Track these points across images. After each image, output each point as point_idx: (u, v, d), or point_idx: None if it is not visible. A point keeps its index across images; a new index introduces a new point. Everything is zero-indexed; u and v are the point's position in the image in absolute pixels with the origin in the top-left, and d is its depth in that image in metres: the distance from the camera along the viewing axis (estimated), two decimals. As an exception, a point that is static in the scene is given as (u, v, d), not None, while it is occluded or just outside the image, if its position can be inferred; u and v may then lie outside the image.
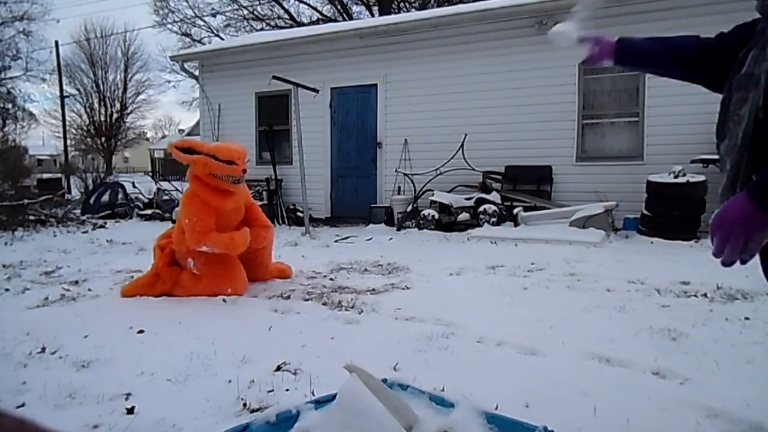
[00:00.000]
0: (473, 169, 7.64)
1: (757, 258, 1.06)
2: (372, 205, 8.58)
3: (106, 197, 10.64)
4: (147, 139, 41.14)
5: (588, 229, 6.21)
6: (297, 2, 22.23)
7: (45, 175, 18.28)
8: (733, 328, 2.78)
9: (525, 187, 7.49)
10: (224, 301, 3.54)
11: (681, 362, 2.29)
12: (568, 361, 2.34)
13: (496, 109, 7.86)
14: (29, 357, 2.48)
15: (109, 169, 24.34)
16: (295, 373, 2.23)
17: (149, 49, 67.96)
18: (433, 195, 7.62)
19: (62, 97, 22.78)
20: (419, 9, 18.41)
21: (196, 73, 10.59)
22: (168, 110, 78.36)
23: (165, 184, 11.37)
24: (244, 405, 1.94)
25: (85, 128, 28.52)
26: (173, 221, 6.64)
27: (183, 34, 23.65)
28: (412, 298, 3.58)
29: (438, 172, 7.86)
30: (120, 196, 10.59)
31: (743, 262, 1.03)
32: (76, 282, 4.22)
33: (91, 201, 10.56)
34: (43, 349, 2.56)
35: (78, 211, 10.08)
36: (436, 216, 7.37)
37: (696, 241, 5.90)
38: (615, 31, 1.55)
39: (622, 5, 7.03)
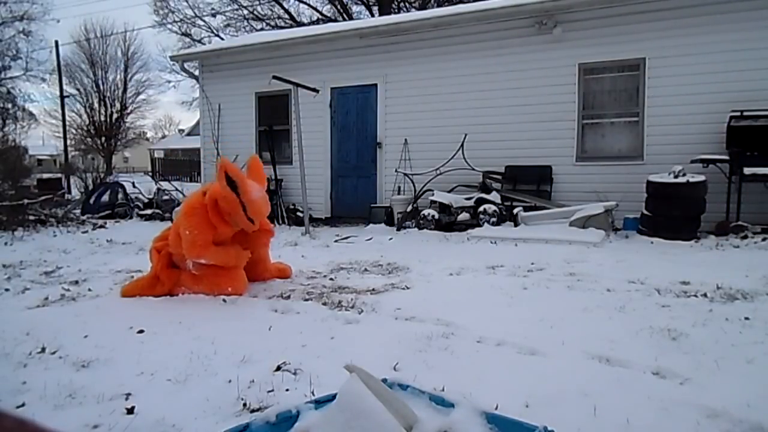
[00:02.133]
0: (473, 169, 7.64)
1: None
2: (372, 205, 8.58)
3: (106, 197, 10.64)
4: (147, 139, 41.10)
5: (588, 229, 6.21)
6: (297, 2, 22.25)
7: (45, 175, 18.29)
8: (733, 328, 2.78)
9: (525, 187, 7.49)
10: (224, 301, 3.55)
11: (681, 362, 2.29)
12: (568, 361, 2.34)
13: (496, 109, 7.86)
14: (29, 357, 2.48)
15: (109, 169, 24.34)
16: (295, 373, 2.23)
17: (149, 49, 68.04)
18: (433, 195, 7.62)
19: (62, 97, 22.78)
20: (419, 9, 18.41)
21: (196, 73, 10.59)
22: (168, 110, 78.50)
23: (165, 184, 11.38)
24: (244, 405, 1.94)
25: (85, 128, 28.49)
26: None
27: (183, 34, 23.65)
28: (412, 298, 3.58)
29: (438, 172, 7.86)
30: (120, 196, 10.59)
31: None
32: (76, 282, 4.22)
33: (91, 201, 10.56)
34: (43, 349, 2.55)
35: (78, 211, 10.09)
36: (436, 216, 7.37)
37: (696, 241, 5.89)
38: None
39: (623, 5, 7.03)
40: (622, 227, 6.74)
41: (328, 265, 4.88)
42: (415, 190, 8.02)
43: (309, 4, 22.11)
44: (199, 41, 22.51)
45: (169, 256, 3.79)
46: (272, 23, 22.00)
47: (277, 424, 1.42)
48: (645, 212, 6.38)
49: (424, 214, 7.43)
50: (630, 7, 7.01)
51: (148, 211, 9.79)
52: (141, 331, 2.87)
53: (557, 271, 4.41)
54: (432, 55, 8.31)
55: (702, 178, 6.06)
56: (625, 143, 7.29)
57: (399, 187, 8.51)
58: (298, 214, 8.58)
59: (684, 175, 6.08)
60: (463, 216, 7.29)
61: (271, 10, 22.33)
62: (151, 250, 3.95)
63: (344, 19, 19.37)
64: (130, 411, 1.90)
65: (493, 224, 7.00)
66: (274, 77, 7.32)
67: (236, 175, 3.60)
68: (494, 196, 7.32)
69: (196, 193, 3.88)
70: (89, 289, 3.94)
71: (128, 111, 29.76)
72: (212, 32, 22.97)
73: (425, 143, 8.34)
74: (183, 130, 41.85)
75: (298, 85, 7.41)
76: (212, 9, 22.58)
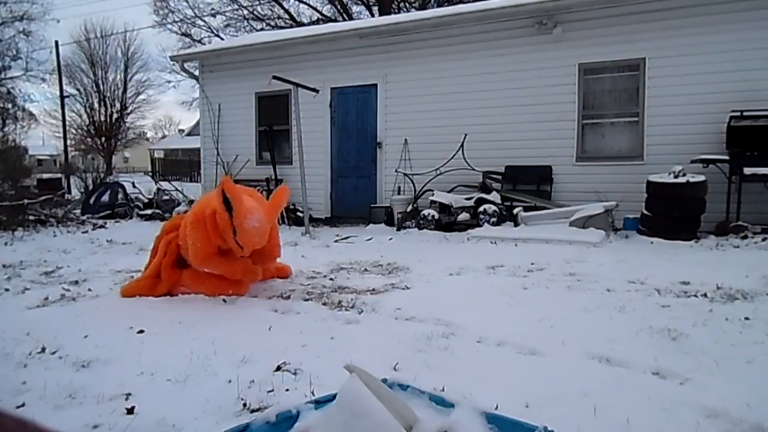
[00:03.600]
0: (473, 169, 7.64)
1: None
2: (372, 205, 8.58)
3: (106, 197, 10.63)
4: (147, 139, 41.10)
5: (588, 229, 6.21)
6: (297, 2, 22.24)
7: (45, 175, 18.27)
8: (733, 328, 2.78)
9: (525, 187, 7.49)
10: (224, 301, 3.55)
11: (681, 362, 2.29)
12: (568, 361, 2.34)
13: (496, 109, 7.86)
14: (29, 357, 2.48)
15: (109, 169, 24.31)
16: (295, 373, 2.23)
17: (149, 49, 68.05)
18: (433, 195, 7.62)
19: (62, 97, 22.76)
20: (419, 9, 18.40)
21: (196, 73, 10.58)
22: (168, 110, 78.49)
23: (165, 184, 11.38)
24: (244, 405, 1.94)
25: (85, 128, 28.48)
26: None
27: (183, 34, 23.61)
28: (412, 298, 3.57)
29: (438, 172, 7.86)
30: (120, 196, 10.59)
31: None
32: (76, 282, 4.22)
33: (91, 201, 10.56)
34: (43, 349, 2.55)
35: (78, 211, 10.08)
36: (436, 216, 7.37)
37: (696, 241, 5.89)
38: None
39: (623, 5, 7.03)
40: (622, 227, 6.74)
41: (328, 265, 4.88)
42: (415, 190, 8.02)
43: (309, 4, 22.12)
44: (199, 41, 22.50)
45: (177, 252, 3.79)
46: (272, 23, 21.99)
47: (277, 424, 1.42)
48: (645, 212, 6.38)
49: (424, 214, 7.43)
50: (630, 7, 7.01)
51: (148, 211, 9.79)
52: (141, 331, 2.87)
53: (557, 271, 4.41)
54: (432, 55, 8.31)
55: (702, 178, 6.06)
56: (625, 143, 7.29)
57: (399, 187, 8.51)
58: (298, 214, 8.57)
59: (684, 175, 6.08)
60: (463, 216, 7.29)
61: (271, 10, 22.33)
62: (159, 238, 3.90)
63: (344, 19, 19.36)
64: (130, 411, 1.90)
65: (493, 224, 7.00)
66: (274, 77, 7.32)
67: (234, 197, 3.42)
68: (494, 196, 7.32)
69: (209, 198, 3.72)
70: (89, 289, 3.94)
71: (128, 111, 29.76)
72: (212, 32, 22.96)
73: (425, 143, 8.34)
74: (183, 130, 41.86)
75: (298, 85, 7.41)
76: (212, 9, 22.57)
